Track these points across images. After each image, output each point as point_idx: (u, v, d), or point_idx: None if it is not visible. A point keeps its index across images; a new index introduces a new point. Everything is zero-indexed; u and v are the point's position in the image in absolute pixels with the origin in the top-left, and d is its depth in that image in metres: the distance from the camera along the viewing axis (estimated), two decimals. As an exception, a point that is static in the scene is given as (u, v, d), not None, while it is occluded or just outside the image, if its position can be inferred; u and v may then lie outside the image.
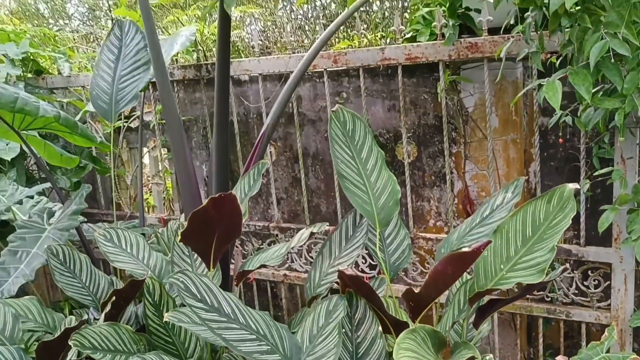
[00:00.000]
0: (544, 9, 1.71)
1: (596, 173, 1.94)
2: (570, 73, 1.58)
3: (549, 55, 2.06)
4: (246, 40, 3.29)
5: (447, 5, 2.35)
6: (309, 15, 3.75)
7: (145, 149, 3.50)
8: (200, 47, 2.94)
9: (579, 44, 1.58)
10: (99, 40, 4.84)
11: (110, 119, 2.19)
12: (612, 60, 1.51)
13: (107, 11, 4.44)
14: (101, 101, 2.17)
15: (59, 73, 3.38)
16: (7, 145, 2.80)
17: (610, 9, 1.50)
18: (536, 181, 2.27)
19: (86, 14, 5.19)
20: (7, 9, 5.37)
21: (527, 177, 2.49)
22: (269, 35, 3.63)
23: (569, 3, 1.43)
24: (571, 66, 1.62)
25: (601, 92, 1.77)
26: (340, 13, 3.00)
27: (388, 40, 2.84)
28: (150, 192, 3.76)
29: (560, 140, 2.26)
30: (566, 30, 1.67)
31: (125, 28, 2.35)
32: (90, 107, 2.45)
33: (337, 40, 3.13)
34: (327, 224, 2.15)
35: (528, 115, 2.44)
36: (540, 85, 1.67)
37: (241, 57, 3.21)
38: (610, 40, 1.48)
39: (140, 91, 2.42)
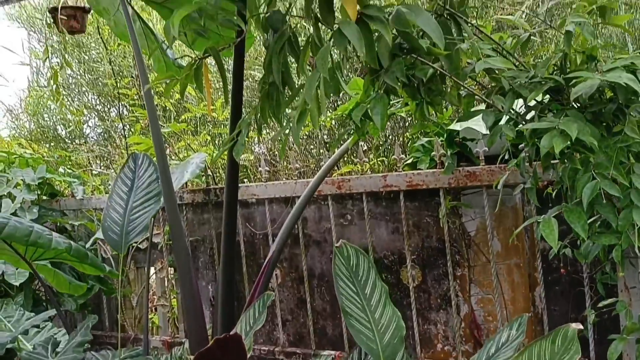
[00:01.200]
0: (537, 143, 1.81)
1: (600, 304, 1.94)
2: (565, 210, 1.63)
3: (545, 184, 2.13)
4: (253, 160, 3.42)
5: (445, 135, 2.47)
6: (315, 137, 3.92)
7: (152, 269, 3.53)
8: (209, 173, 3.05)
9: (571, 182, 1.65)
10: (112, 159, 5.04)
11: (120, 250, 2.25)
12: (605, 200, 1.57)
13: (122, 134, 4.66)
14: (112, 232, 2.24)
15: (73, 196, 3.49)
16: (16, 270, 2.84)
17: (599, 151, 1.58)
18: (542, 306, 2.26)
19: (102, 134, 5.44)
20: (27, 130, 5.64)
21: (532, 302, 2.48)
22: (275, 154, 3.78)
23: (558, 148, 1.51)
24: (566, 203, 1.67)
25: (599, 222, 1.81)
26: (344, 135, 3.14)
27: (388, 162, 2.95)
28: (156, 311, 3.74)
29: (562, 271, 2.28)
30: (558, 168, 1.74)
31: (139, 160, 2.47)
32: (100, 235, 2.52)
33: (341, 162, 3.26)
34: (333, 354, 2.13)
35: (530, 240, 2.47)
36: (537, 221, 1.72)
37: (249, 179, 3.33)
38: (601, 180, 1.54)
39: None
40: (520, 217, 2.44)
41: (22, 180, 3.31)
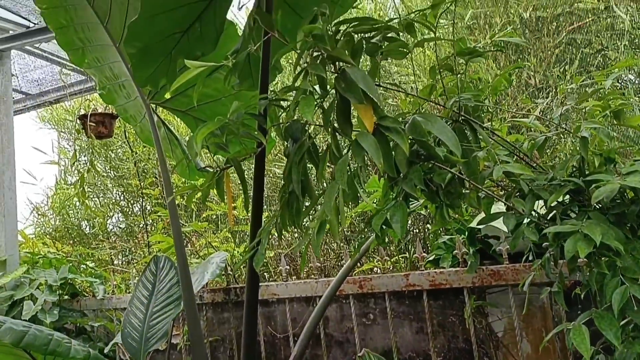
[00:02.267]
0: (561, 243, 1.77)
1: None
2: (595, 317, 1.57)
3: (572, 283, 2.08)
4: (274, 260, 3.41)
5: (466, 233, 2.45)
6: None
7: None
8: (230, 272, 3.04)
9: (599, 286, 1.60)
10: (134, 254, 5.06)
11: (139, 358, 2.21)
12: (636, 306, 1.52)
13: (144, 229, 4.71)
14: (132, 339, 2.21)
15: (94, 295, 3.48)
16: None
17: (625, 254, 1.55)
18: (579, 414, 2.13)
19: (125, 229, 5.51)
20: (52, 227, 5.74)
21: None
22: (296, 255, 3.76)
23: (583, 253, 1.48)
24: (595, 308, 1.62)
25: (632, 325, 1.74)
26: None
27: (409, 259, 2.91)
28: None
29: (597, 378, 2.17)
30: (585, 270, 1.70)
31: (161, 263, 2.48)
32: (119, 339, 2.49)
33: (363, 258, 3.23)
34: None
35: (560, 341, 2.38)
36: (567, 328, 1.66)
37: (269, 274, 3.30)
38: (630, 285, 1.50)
39: (170, 319, 2.47)
40: (549, 317, 2.36)
41: (44, 280, 3.33)
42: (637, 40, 3.00)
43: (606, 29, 3.11)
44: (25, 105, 4.99)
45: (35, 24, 3.65)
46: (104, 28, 2.33)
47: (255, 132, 1.48)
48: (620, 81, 3.05)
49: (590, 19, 3.13)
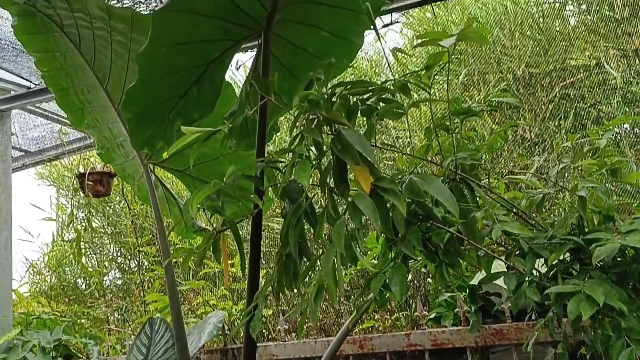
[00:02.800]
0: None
1: None
2: (602, 380, 1.53)
3: (576, 342, 2.03)
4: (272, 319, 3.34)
5: (467, 291, 2.41)
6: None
7: None
8: (227, 332, 2.98)
9: (604, 347, 1.56)
10: (130, 312, 4.98)
11: None
12: (642, 369, 1.48)
13: (140, 288, 4.65)
14: (125, 406, 2.14)
15: (88, 357, 3.40)
16: None
17: (629, 314, 1.52)
18: None
19: (121, 286, 5.43)
20: (48, 285, 5.66)
21: None
22: (293, 306, 3.70)
23: (586, 314, 1.45)
24: (602, 370, 1.57)
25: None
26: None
27: (410, 317, 2.86)
28: None
29: None
30: (589, 331, 1.66)
31: (156, 326, 2.43)
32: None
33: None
34: None
35: (568, 402, 2.30)
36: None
37: (268, 332, 3.23)
38: (636, 347, 1.46)
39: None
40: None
41: (38, 342, 3.25)
42: (629, 95, 3.06)
43: (598, 85, 3.16)
44: (24, 163, 5.01)
45: (36, 84, 3.71)
46: (103, 90, 2.36)
47: (252, 195, 1.47)
48: (615, 135, 3.09)
49: (582, 75, 3.19)
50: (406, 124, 3.66)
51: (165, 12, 1.54)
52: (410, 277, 3.50)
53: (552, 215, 2.77)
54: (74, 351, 3.58)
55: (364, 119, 1.69)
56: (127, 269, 5.63)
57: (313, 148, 1.51)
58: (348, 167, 1.49)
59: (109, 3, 2.34)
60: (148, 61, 1.54)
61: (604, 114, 3.17)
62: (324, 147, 1.52)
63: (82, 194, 4.08)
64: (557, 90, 3.21)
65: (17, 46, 3.08)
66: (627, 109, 2.97)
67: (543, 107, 3.24)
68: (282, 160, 1.60)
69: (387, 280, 1.47)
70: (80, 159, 4.48)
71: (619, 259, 1.62)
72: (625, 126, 3.24)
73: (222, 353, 2.96)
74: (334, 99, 1.56)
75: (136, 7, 2.84)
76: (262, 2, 1.68)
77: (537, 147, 3.23)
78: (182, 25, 1.61)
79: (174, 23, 1.60)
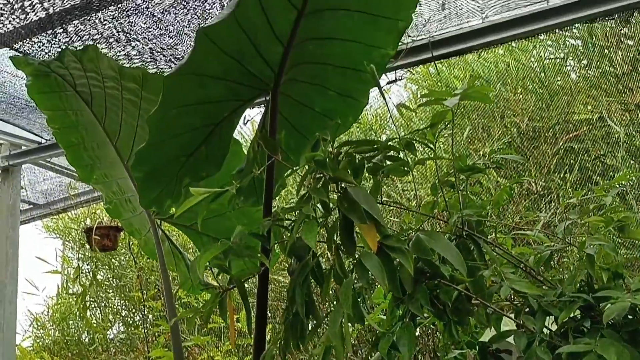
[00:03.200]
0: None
1: None
2: None
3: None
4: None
5: (477, 349, 2.36)
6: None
7: None
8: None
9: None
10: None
11: None
12: None
13: (144, 343, 4.58)
14: None
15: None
16: None
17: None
18: None
19: (125, 340, 5.36)
20: (51, 339, 5.59)
21: None
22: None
23: None
24: None
25: None
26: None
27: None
28: None
29: None
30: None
31: (159, 384, 2.40)
32: None
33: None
34: None
35: None
36: None
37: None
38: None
39: None
40: None
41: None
42: (633, 148, 3.08)
43: (602, 138, 3.19)
44: (31, 216, 5.03)
45: (47, 140, 3.78)
46: (113, 146, 2.41)
47: (259, 254, 1.48)
48: (621, 187, 3.09)
49: (585, 128, 3.22)
50: (411, 176, 3.68)
51: (176, 76, 1.59)
52: (418, 331, 3.45)
53: (561, 269, 2.74)
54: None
55: (370, 175, 1.71)
56: (131, 322, 5.57)
57: (319, 206, 1.52)
58: (355, 225, 1.50)
59: (119, 63, 2.42)
60: (158, 123, 1.57)
61: (609, 166, 3.19)
62: (331, 205, 1.53)
63: (87, 245, 4.07)
64: (561, 143, 3.24)
65: (30, 104, 3.16)
66: (631, 162, 2.99)
67: (548, 160, 3.26)
68: (288, 218, 1.61)
69: (395, 340, 1.45)
70: (87, 212, 4.51)
71: (630, 317, 1.60)
72: (631, 182, 3.25)
73: (226, 412, 2.89)
74: (340, 158, 1.58)
75: (144, 65, 2.92)
76: (270, 64, 1.73)
77: (543, 199, 3.24)
78: (191, 87, 1.66)
79: (184, 85, 1.64)
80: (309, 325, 1.57)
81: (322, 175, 1.47)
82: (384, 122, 4.19)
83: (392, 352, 1.50)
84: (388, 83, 2.93)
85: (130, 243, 4.52)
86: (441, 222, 1.85)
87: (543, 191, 3.26)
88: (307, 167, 1.38)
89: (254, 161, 1.48)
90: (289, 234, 1.60)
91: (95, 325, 4.99)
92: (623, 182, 3.01)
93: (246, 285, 1.65)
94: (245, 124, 4.28)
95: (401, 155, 1.66)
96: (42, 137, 3.78)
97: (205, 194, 1.28)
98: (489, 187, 3.24)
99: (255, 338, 1.76)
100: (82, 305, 3.45)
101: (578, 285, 1.71)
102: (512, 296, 2.02)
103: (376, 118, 4.21)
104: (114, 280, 5.64)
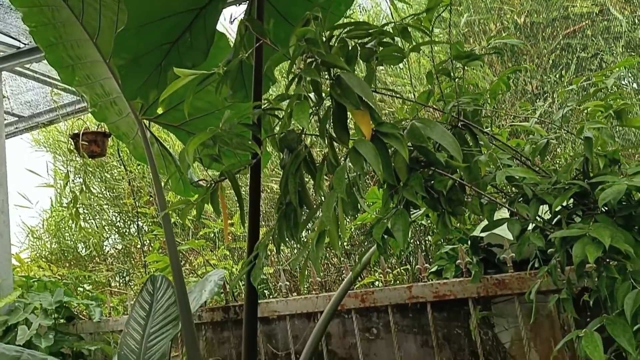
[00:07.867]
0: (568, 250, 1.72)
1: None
2: (607, 323, 1.51)
3: (580, 289, 2.02)
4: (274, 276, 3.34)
5: (469, 242, 2.39)
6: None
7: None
8: (228, 289, 2.98)
9: (609, 291, 1.55)
10: (131, 276, 4.99)
11: (135, 381, 2.14)
12: (649, 311, 1.46)
13: (141, 250, 4.64)
14: (128, 361, 2.14)
15: (90, 318, 3.41)
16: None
17: (635, 257, 1.50)
18: None
19: (121, 250, 5.43)
20: (48, 250, 5.66)
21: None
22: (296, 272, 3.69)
23: (592, 257, 1.43)
24: (606, 314, 1.56)
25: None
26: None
27: (412, 270, 2.85)
28: None
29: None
30: (593, 275, 1.65)
31: (158, 283, 2.42)
32: (116, 361, 2.41)
33: (364, 272, 3.17)
34: None
35: (570, 350, 2.31)
36: (578, 336, 1.60)
37: (269, 291, 3.23)
38: (642, 290, 1.44)
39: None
40: (557, 325, 2.30)
41: (39, 304, 3.25)
42: (632, 42, 2.99)
43: (601, 33, 3.09)
44: (17, 128, 4.94)
45: (25, 44, 3.62)
46: (93, 44, 2.29)
47: (250, 142, 1.43)
48: (618, 85, 3.03)
49: (585, 23, 3.11)
50: (405, 79, 3.59)
51: (154, -46, 1.47)
52: (410, 233, 3.49)
53: (554, 166, 2.74)
54: (76, 313, 3.59)
55: (364, 66, 1.64)
56: (126, 233, 5.62)
57: (312, 95, 1.46)
58: (348, 112, 1.45)
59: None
60: (137, 5, 1.47)
61: (606, 63, 3.11)
62: (323, 93, 1.47)
63: (78, 158, 4.03)
64: (559, 39, 3.13)
65: (4, 3, 2.99)
66: (632, 54, 2.91)
67: (545, 57, 3.17)
68: (279, 108, 1.55)
69: (389, 226, 1.44)
70: (73, 122, 4.42)
71: (624, 203, 1.59)
72: (628, 78, 3.18)
73: (223, 310, 2.97)
74: (332, 43, 1.51)
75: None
76: (255, -57, 1.61)
77: (538, 98, 3.18)
78: (172, -32, 1.54)
79: (164, -34, 1.53)
80: (303, 215, 1.56)
81: (313, 59, 1.40)
82: (377, 22, 4.04)
83: (386, 238, 1.50)
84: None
85: (120, 150, 4.47)
86: (437, 112, 1.80)
87: (538, 90, 3.20)
88: (297, 47, 1.30)
89: (241, 46, 1.40)
90: (279, 125, 1.56)
91: (89, 231, 5.03)
92: (620, 77, 2.95)
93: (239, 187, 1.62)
94: (231, 22, 4.13)
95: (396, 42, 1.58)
96: (20, 42, 3.62)
97: (192, 75, 1.21)
98: (485, 86, 3.16)
99: (249, 232, 1.75)
100: (74, 212, 3.45)
101: (573, 173, 1.69)
102: (506, 188, 2.01)
103: (368, 17, 4.06)
104: (107, 192, 5.64)
